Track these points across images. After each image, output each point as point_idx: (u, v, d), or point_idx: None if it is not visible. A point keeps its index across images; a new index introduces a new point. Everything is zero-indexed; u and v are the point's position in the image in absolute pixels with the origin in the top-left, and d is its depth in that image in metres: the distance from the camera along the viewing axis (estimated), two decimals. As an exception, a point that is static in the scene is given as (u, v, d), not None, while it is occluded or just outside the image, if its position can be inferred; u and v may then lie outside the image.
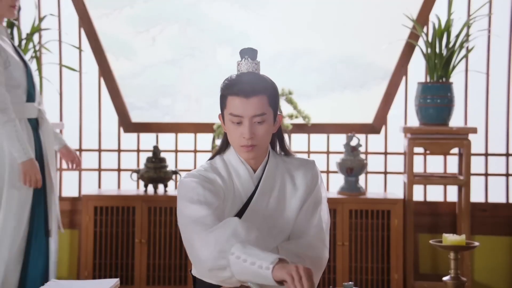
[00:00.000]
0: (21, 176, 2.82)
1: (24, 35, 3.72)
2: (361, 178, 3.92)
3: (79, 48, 4.03)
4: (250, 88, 1.73)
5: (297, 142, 4.09)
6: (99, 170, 4.15)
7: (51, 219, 2.99)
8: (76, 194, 4.11)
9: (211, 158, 1.87)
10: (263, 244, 1.72)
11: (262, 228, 1.78)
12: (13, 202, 2.86)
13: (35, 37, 3.82)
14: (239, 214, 1.79)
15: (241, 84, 1.74)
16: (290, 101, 3.93)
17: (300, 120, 3.99)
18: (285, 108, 3.96)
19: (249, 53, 1.79)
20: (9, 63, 2.83)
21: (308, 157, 4.11)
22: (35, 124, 2.95)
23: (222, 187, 1.78)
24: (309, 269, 1.53)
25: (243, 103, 1.73)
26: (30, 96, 2.93)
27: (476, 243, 1.98)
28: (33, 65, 3.74)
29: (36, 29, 3.73)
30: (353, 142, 3.83)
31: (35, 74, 3.00)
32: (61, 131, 4.10)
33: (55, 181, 3.02)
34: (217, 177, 1.79)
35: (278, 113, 1.84)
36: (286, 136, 1.92)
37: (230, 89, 1.76)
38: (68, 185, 4.12)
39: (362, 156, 3.91)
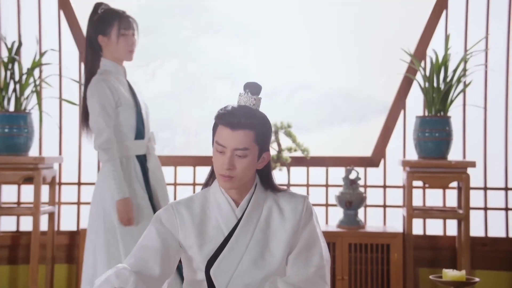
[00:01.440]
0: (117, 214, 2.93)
1: (25, 70, 3.75)
2: (360, 211, 3.92)
3: (79, 82, 4.06)
4: (237, 121, 1.77)
5: (296, 175, 4.09)
6: (98, 203, 4.13)
7: None
8: (74, 228, 4.09)
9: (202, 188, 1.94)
10: (248, 275, 1.78)
11: (246, 259, 1.80)
12: (127, 237, 2.94)
13: (36, 72, 3.85)
14: (222, 246, 1.81)
15: (231, 116, 1.78)
16: (289, 134, 3.95)
17: (299, 153, 4.00)
18: (284, 141, 3.98)
19: (250, 88, 1.82)
20: (120, 103, 2.94)
21: (307, 190, 4.11)
22: (143, 160, 3.04)
23: (187, 223, 1.83)
24: None
25: (228, 135, 1.78)
26: (139, 134, 3.03)
27: (477, 279, 1.97)
28: (33, 100, 3.78)
29: (37, 64, 3.76)
30: (352, 175, 3.84)
31: (146, 112, 3.11)
32: (60, 165, 4.11)
33: None
34: (187, 213, 1.84)
35: (266, 151, 1.84)
36: (273, 174, 1.92)
37: (220, 118, 1.80)
38: (66, 219, 4.10)
39: (361, 189, 3.91)
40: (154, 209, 3.03)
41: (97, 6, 3.03)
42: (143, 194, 3.00)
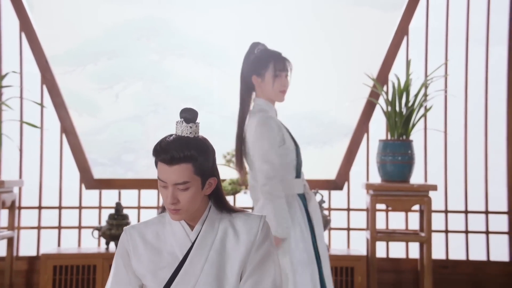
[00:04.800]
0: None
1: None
2: (325, 234, 3.93)
3: (41, 105, 4.00)
4: (171, 157, 1.74)
5: (260, 199, 4.08)
6: (59, 228, 4.06)
7: None
8: (34, 253, 4.00)
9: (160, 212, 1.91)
10: None
11: (202, 282, 1.77)
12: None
13: (-4, 94, 3.78)
14: (176, 271, 1.79)
15: (164, 152, 1.75)
16: (253, 158, 3.95)
17: (263, 177, 4.00)
18: (248, 164, 3.97)
19: (185, 115, 1.78)
20: (284, 141, 2.91)
21: (272, 213, 4.10)
22: (303, 199, 2.98)
23: (140, 250, 1.83)
24: None
25: (166, 171, 1.75)
26: (298, 173, 2.99)
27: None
28: (-7, 122, 3.70)
29: (-2, 86, 3.70)
30: (317, 198, 3.85)
31: (299, 151, 3.03)
32: (20, 189, 4.02)
33: (324, 253, 2.96)
34: (140, 240, 1.84)
35: (211, 177, 1.81)
36: (224, 195, 1.89)
37: (156, 155, 1.78)
38: (26, 244, 4.01)
39: (326, 212, 3.93)
40: (315, 250, 2.94)
41: (254, 46, 2.99)
42: (306, 231, 2.91)
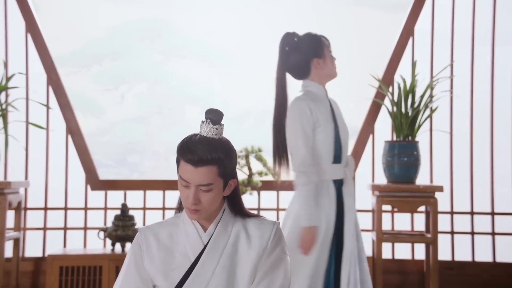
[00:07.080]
0: (299, 240, 2.74)
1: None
2: (331, 235, 3.93)
3: (47, 106, 4.00)
4: (198, 159, 1.74)
5: (266, 199, 4.09)
6: (65, 229, 4.07)
7: (344, 284, 2.81)
8: (40, 254, 4.00)
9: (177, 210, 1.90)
10: None
11: (213, 285, 1.77)
12: (304, 264, 2.76)
13: (2, 95, 3.78)
14: (188, 273, 1.79)
15: (191, 153, 1.75)
16: (259, 159, 3.95)
17: (269, 177, 4.01)
18: (254, 165, 3.98)
19: (211, 116, 1.79)
20: (319, 124, 2.80)
21: (277, 214, 4.11)
22: (339, 184, 2.85)
23: (153, 250, 1.83)
24: None
25: (191, 171, 1.75)
26: (337, 158, 2.85)
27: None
28: (-1, 124, 3.71)
29: (4, 87, 3.70)
30: (322, 200, 3.85)
31: (345, 135, 2.89)
32: (26, 190, 4.03)
33: (355, 244, 2.87)
34: (153, 240, 1.84)
35: (233, 178, 1.82)
36: (242, 199, 1.89)
37: (182, 154, 1.77)
38: (32, 244, 4.01)
39: (331, 213, 3.93)
40: (338, 237, 2.82)
41: (291, 36, 2.84)
42: (331, 220, 2.79)
